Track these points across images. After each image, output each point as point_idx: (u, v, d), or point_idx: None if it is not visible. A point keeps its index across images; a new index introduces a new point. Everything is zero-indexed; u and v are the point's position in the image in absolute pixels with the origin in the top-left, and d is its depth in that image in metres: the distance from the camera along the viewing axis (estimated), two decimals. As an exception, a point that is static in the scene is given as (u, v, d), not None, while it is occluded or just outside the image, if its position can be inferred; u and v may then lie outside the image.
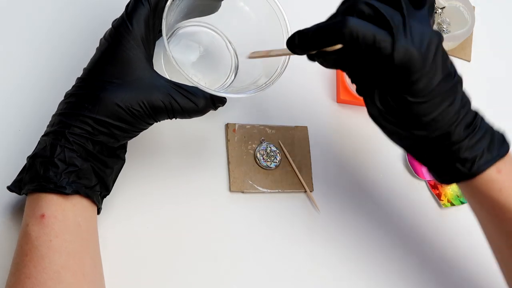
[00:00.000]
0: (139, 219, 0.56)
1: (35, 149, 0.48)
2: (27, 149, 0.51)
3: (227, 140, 0.61)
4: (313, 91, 0.67)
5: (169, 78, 0.52)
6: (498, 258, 0.54)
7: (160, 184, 0.57)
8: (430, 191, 0.66)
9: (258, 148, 0.62)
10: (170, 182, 0.58)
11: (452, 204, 0.66)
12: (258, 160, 0.61)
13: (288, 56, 0.55)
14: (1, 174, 0.53)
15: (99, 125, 0.48)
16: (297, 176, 0.62)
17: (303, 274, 0.58)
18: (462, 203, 0.66)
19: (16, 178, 0.49)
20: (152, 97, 0.49)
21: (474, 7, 0.73)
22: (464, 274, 0.63)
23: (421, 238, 0.63)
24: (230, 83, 0.61)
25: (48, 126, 0.49)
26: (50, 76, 0.59)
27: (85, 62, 0.60)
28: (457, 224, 0.65)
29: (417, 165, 0.66)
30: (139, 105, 0.48)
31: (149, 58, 0.51)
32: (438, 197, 0.66)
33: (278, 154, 0.62)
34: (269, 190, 0.61)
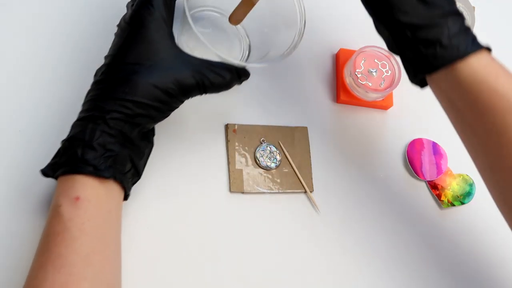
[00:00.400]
0: (139, 219, 0.56)
1: (70, 132, 0.49)
2: (27, 149, 0.51)
3: (227, 140, 0.61)
4: (313, 91, 0.67)
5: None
6: (480, 162, 0.52)
7: (160, 185, 0.57)
8: (430, 192, 0.66)
9: (258, 148, 0.62)
10: (170, 182, 0.58)
11: (452, 205, 0.65)
12: (258, 160, 0.61)
13: (303, 25, 0.57)
14: (1, 175, 0.53)
15: (138, 108, 0.48)
16: (297, 176, 0.62)
17: (303, 274, 0.58)
18: (462, 203, 0.66)
19: (51, 162, 0.49)
20: (185, 75, 0.50)
21: (474, 7, 0.73)
22: (464, 274, 0.63)
23: (421, 238, 0.63)
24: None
25: (82, 111, 0.49)
26: (50, 76, 0.59)
27: (85, 61, 0.60)
28: (457, 225, 0.65)
29: (417, 165, 0.66)
30: (174, 84, 0.49)
31: (172, 37, 0.52)
32: (438, 197, 0.65)
33: (278, 154, 0.62)
34: (269, 190, 0.61)
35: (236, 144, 0.61)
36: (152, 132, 0.53)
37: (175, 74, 0.50)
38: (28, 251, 0.49)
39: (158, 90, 0.49)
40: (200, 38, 0.51)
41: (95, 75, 0.51)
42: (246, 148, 0.61)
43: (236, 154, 0.61)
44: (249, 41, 0.63)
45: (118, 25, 0.52)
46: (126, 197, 0.51)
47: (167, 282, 0.54)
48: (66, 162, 0.47)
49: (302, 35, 0.56)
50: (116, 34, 0.52)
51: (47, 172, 0.48)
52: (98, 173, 0.46)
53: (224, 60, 0.52)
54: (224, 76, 0.52)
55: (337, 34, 0.71)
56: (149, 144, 0.53)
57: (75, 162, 0.46)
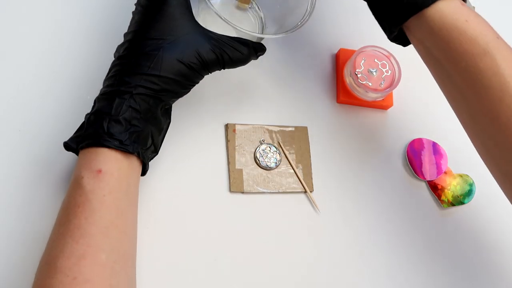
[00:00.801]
0: (138, 219, 0.55)
1: (94, 106, 0.49)
2: (28, 148, 0.51)
3: (227, 141, 0.61)
4: (313, 91, 0.67)
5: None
6: (460, 111, 0.53)
7: (159, 185, 0.57)
8: (430, 192, 0.66)
9: (258, 148, 0.62)
10: (170, 182, 0.58)
11: (452, 205, 0.65)
12: (258, 160, 0.61)
13: None
14: (1, 175, 0.53)
15: (164, 83, 0.49)
16: (297, 176, 0.62)
17: (302, 274, 0.58)
18: (462, 203, 0.66)
19: (74, 135, 0.49)
20: (206, 49, 0.51)
21: (474, 7, 0.73)
22: (464, 274, 0.63)
23: (421, 238, 0.63)
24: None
25: (106, 86, 0.50)
26: (50, 76, 0.59)
27: (86, 60, 0.60)
28: (457, 225, 0.65)
29: (417, 165, 0.66)
30: (196, 58, 0.50)
31: (191, 12, 0.52)
32: (438, 197, 0.65)
33: (278, 154, 0.62)
34: (269, 190, 0.60)
35: (236, 144, 0.61)
36: (170, 108, 0.54)
37: (197, 48, 0.51)
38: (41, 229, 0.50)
39: (182, 65, 0.50)
40: (218, 14, 0.53)
41: (117, 51, 0.52)
42: (246, 148, 0.61)
43: (236, 154, 0.61)
44: (263, 17, 0.65)
45: (137, 3, 0.52)
46: (144, 173, 0.52)
47: (165, 282, 0.54)
48: (91, 135, 0.47)
49: (314, 5, 0.58)
50: (135, 12, 0.52)
51: (70, 144, 0.49)
52: (123, 147, 0.47)
53: (243, 33, 0.54)
54: (241, 51, 0.53)
55: (337, 34, 0.71)
56: (168, 119, 0.54)
57: (101, 135, 0.47)
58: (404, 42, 0.55)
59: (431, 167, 0.66)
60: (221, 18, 0.54)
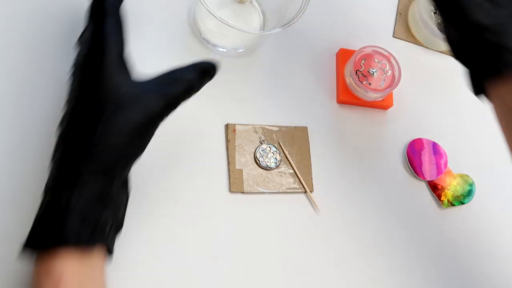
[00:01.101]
0: (138, 219, 0.56)
1: (44, 199, 0.45)
2: (28, 151, 0.51)
3: (227, 141, 0.61)
4: (313, 91, 0.67)
5: (203, 30, 0.57)
6: None
7: (159, 185, 0.57)
8: (430, 192, 0.66)
9: (258, 149, 0.62)
10: (170, 183, 0.58)
11: (452, 205, 0.65)
12: (258, 160, 0.61)
13: None
14: (1, 175, 0.53)
15: (114, 154, 0.45)
16: (297, 176, 0.62)
17: (303, 274, 0.58)
18: (462, 203, 0.66)
19: (28, 236, 0.44)
20: (152, 98, 0.47)
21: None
22: (464, 274, 0.63)
23: (421, 238, 0.63)
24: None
25: (55, 169, 0.45)
26: (49, 75, 0.59)
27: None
28: (457, 225, 0.65)
29: (417, 165, 0.66)
30: (145, 116, 0.46)
31: (126, 63, 0.48)
32: (438, 197, 0.65)
33: (278, 154, 0.62)
34: (269, 191, 0.61)
35: (236, 144, 0.61)
36: (128, 178, 0.49)
37: (144, 102, 0.46)
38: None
39: (132, 125, 0.45)
40: (213, 14, 0.53)
41: (61, 122, 0.47)
42: (246, 148, 0.62)
43: (236, 154, 0.61)
44: (264, 13, 0.65)
45: (73, 64, 0.49)
46: (110, 253, 0.47)
47: (165, 282, 0.54)
48: (45, 236, 0.43)
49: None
50: (74, 75, 0.48)
51: (31, 245, 0.43)
52: (81, 243, 0.42)
53: (238, 32, 0.55)
54: (183, 83, 0.49)
55: (337, 34, 0.71)
56: (126, 192, 0.49)
57: (55, 234, 0.42)
58: (478, 91, 0.51)
59: (431, 167, 0.67)
60: (216, 18, 0.54)
